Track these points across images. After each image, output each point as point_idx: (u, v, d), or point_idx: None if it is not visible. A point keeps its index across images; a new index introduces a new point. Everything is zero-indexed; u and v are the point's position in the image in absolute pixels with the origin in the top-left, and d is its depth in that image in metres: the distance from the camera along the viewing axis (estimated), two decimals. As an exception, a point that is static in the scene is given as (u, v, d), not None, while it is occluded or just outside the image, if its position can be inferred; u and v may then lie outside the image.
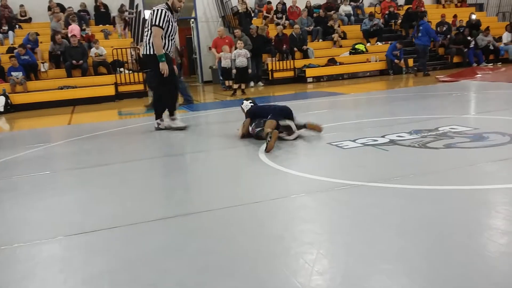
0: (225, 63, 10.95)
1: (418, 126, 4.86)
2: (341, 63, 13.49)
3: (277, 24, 14.36)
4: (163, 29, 5.51)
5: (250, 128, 4.83)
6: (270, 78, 12.99)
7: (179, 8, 5.66)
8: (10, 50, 11.98)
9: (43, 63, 11.88)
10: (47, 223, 2.80)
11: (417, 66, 12.65)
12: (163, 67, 5.54)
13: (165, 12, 5.52)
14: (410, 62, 13.55)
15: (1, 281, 2.06)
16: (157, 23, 5.48)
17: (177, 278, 1.97)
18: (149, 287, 1.92)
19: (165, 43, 5.61)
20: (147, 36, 5.64)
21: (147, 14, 15.67)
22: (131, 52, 12.33)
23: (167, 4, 5.64)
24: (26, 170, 4.30)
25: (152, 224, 2.63)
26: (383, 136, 4.49)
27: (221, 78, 12.31)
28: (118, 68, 11.91)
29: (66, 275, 2.09)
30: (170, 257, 2.17)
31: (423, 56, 12.15)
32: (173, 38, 5.73)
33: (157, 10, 5.51)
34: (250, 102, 5.24)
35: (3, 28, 12.97)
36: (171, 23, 5.57)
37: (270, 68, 12.93)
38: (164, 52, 5.55)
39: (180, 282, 1.94)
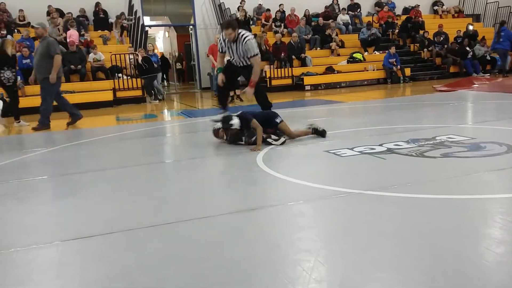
0: None
1: (416, 135, 4.88)
2: (338, 72, 13.55)
3: (276, 32, 14.42)
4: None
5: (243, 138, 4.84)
6: (268, 85, 13.02)
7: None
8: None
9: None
10: (43, 228, 2.79)
11: (497, 68, 14.04)
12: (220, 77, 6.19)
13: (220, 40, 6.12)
14: (407, 71, 13.62)
15: (-3, 286, 2.06)
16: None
17: (174, 285, 1.97)
18: (146, 293, 1.91)
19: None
20: None
21: (146, 20, 15.82)
22: (129, 58, 12.34)
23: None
24: (23, 174, 4.30)
25: (149, 230, 2.62)
26: (380, 145, 4.50)
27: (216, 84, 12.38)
28: (116, 74, 11.92)
29: (63, 280, 2.08)
30: (167, 263, 2.17)
31: (503, 59, 13.41)
32: (234, 58, 6.06)
33: None
34: (236, 116, 4.81)
35: (1, 32, 12.93)
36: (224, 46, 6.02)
37: (268, 75, 12.97)
38: (220, 66, 6.24)
39: (177, 288, 1.94)
